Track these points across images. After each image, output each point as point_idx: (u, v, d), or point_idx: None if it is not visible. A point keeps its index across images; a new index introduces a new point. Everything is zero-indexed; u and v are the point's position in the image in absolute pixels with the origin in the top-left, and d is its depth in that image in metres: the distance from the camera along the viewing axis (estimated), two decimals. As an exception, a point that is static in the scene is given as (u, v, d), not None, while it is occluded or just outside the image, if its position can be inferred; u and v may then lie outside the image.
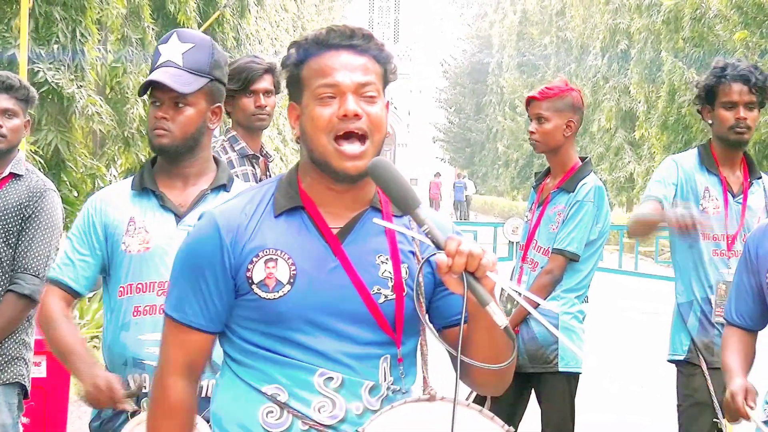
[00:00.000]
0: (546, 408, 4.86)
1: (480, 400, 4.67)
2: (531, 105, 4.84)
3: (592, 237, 4.73)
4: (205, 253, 2.36)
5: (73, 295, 3.34)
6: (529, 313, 4.59)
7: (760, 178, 4.72)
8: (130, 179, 3.42)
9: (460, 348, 2.17)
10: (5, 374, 4.09)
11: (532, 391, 4.90)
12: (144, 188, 3.31)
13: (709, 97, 4.58)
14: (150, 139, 3.31)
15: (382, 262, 2.35)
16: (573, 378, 4.81)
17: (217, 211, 2.40)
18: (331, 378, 2.30)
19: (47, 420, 5.13)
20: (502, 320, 2.12)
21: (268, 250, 2.32)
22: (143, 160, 12.36)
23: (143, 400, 3.19)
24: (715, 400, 4.47)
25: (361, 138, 2.29)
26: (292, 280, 2.30)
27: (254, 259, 2.32)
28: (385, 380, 2.35)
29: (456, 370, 2.17)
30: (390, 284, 2.35)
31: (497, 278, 2.16)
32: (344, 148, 2.28)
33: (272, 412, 2.31)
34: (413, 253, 2.40)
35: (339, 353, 2.31)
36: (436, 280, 2.39)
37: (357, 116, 2.28)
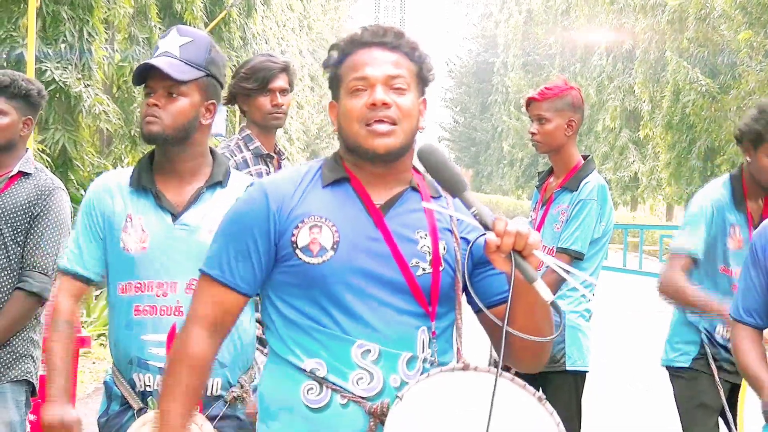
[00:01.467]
0: (552, 407, 4.86)
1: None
2: (531, 106, 4.83)
3: (596, 235, 4.72)
4: (252, 217, 2.47)
5: (86, 282, 3.32)
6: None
7: None
8: (129, 170, 3.40)
9: (506, 320, 2.26)
10: (13, 371, 4.10)
11: (540, 390, 4.91)
12: (141, 186, 3.30)
13: (754, 141, 4.46)
14: (141, 129, 3.29)
15: (422, 237, 2.46)
16: (580, 377, 4.79)
17: (266, 180, 2.54)
18: (368, 350, 2.39)
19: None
20: (548, 295, 2.23)
21: (313, 217, 2.44)
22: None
23: (149, 398, 3.21)
24: (726, 409, 4.47)
25: (392, 124, 2.42)
26: (335, 246, 2.40)
27: (299, 225, 2.43)
28: (423, 352, 2.43)
29: (501, 342, 2.25)
30: (428, 258, 2.45)
31: (543, 256, 2.26)
32: (374, 127, 2.41)
33: (312, 388, 2.40)
34: (450, 230, 2.50)
35: (377, 320, 2.40)
36: (474, 261, 2.49)
37: (385, 105, 2.41)
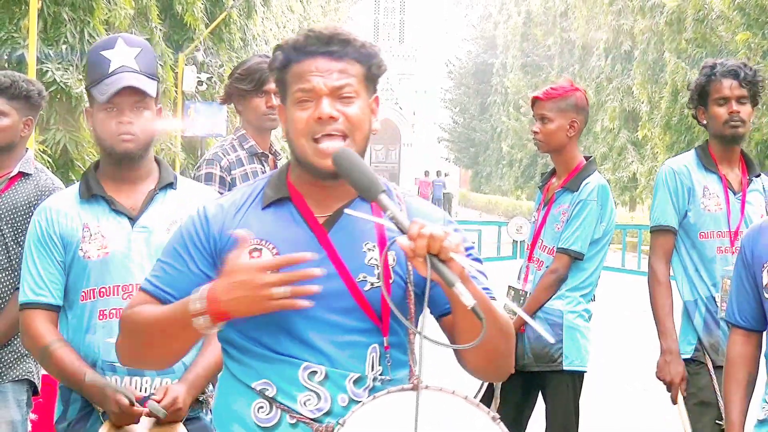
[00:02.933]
0: (551, 406, 4.87)
1: (487, 401, 4.70)
2: (535, 105, 4.85)
3: (596, 236, 4.74)
4: (192, 237, 2.41)
5: (55, 310, 3.28)
6: (536, 310, 4.66)
7: (759, 176, 4.69)
8: (73, 187, 3.39)
9: (422, 326, 2.20)
10: (14, 371, 4.11)
11: (538, 390, 4.93)
12: (92, 195, 3.28)
13: (701, 97, 4.59)
14: (111, 145, 3.24)
15: (369, 249, 2.39)
16: (578, 377, 4.82)
17: (208, 203, 2.48)
18: (315, 372, 2.34)
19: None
20: (469, 300, 2.13)
21: (253, 240, 2.33)
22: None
23: None
24: (720, 400, 4.46)
25: (342, 137, 2.34)
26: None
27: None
28: (372, 370, 2.38)
29: (419, 349, 2.22)
30: (376, 271, 2.37)
31: (463, 260, 2.17)
32: (323, 145, 2.33)
33: (263, 407, 2.36)
34: None
35: (325, 342, 2.35)
36: None
37: (332, 118, 2.33)
